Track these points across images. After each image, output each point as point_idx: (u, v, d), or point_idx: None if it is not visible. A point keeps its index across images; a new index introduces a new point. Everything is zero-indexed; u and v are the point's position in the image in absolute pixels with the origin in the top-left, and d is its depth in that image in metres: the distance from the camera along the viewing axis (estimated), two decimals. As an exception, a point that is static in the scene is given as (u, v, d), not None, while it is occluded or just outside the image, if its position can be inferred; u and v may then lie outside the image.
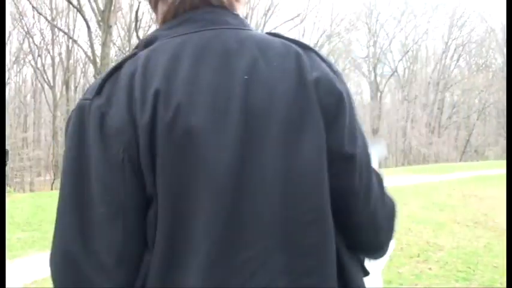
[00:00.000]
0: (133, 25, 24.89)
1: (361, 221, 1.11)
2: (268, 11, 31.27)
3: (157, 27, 1.16)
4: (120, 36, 29.59)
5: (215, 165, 0.96)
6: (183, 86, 0.99)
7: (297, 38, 1.16)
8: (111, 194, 0.98)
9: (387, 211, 1.16)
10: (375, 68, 41.32)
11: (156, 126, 0.96)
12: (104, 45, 18.05)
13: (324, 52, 28.94)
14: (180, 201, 0.97)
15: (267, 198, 0.98)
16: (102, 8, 18.85)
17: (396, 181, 14.98)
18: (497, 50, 49.50)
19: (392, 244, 1.25)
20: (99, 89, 1.02)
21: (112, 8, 18.27)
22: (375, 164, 1.41)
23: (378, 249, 1.20)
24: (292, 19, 34.15)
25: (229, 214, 0.96)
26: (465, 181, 15.49)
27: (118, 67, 1.05)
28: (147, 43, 1.09)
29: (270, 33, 1.12)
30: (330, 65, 1.10)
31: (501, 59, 49.11)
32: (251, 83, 1.00)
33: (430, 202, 11.00)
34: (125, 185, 0.97)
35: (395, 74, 43.00)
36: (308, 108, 1.01)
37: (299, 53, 1.06)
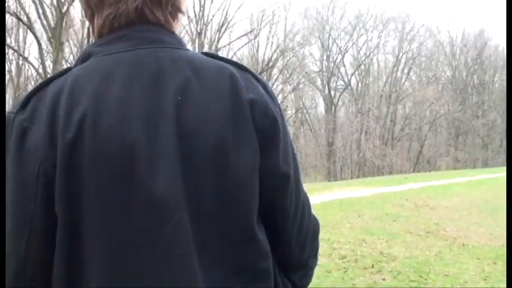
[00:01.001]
0: (85, 41, 24.59)
1: (290, 239, 1.14)
2: (222, 26, 31.38)
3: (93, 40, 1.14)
4: (72, 53, 29.17)
5: (152, 185, 0.96)
6: (115, 107, 0.98)
7: (232, 59, 1.19)
8: (21, 209, 0.97)
9: (312, 229, 1.19)
10: (328, 82, 41.90)
11: (81, 146, 0.96)
12: (56, 62, 17.80)
13: (278, 67, 28.87)
14: (113, 218, 0.96)
15: (203, 217, 0.99)
16: (53, 25, 18.58)
17: (351, 193, 15.19)
18: (446, 63, 50.97)
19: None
20: (24, 103, 1.02)
21: (63, 24, 18.03)
22: None
23: (302, 267, 1.21)
24: (245, 34, 34.40)
25: (165, 233, 0.96)
26: (418, 191, 15.80)
27: (46, 83, 1.05)
28: (83, 59, 1.08)
29: (205, 54, 1.12)
30: (264, 86, 1.11)
31: (449, 72, 50.61)
32: (184, 104, 1.00)
33: (384, 213, 11.17)
34: (36, 199, 0.97)
35: (349, 87, 43.71)
36: (242, 128, 1.02)
37: (233, 74, 1.06)
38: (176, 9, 1.14)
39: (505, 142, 50.56)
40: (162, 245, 0.96)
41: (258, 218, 1.05)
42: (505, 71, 52.44)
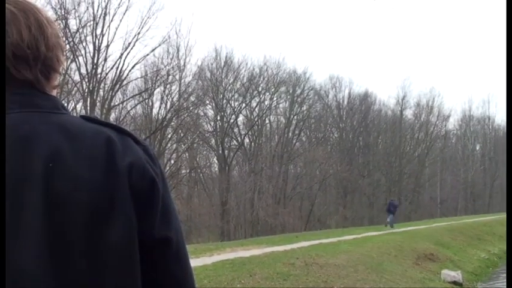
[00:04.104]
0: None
1: None
2: (115, 84, 31.07)
3: None
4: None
5: (17, 258, 0.92)
6: None
7: (112, 122, 1.14)
8: None
9: None
10: (222, 142, 42.34)
11: None
12: None
13: (172, 126, 28.57)
14: None
15: None
16: None
17: (243, 253, 15.21)
18: (334, 125, 53.46)
19: None
20: None
21: None
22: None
23: None
24: (139, 93, 34.23)
25: None
26: (308, 250, 16.10)
27: None
28: None
29: (84, 117, 1.08)
30: (145, 149, 1.09)
31: (337, 134, 53.03)
32: (55, 172, 0.96)
33: (275, 272, 11.28)
34: None
35: (242, 147, 44.41)
36: (117, 195, 0.99)
37: (110, 139, 1.04)
38: (49, 69, 1.09)
39: (388, 201, 53.14)
40: None
41: (139, 285, 1.03)
42: (388, 134, 55.81)
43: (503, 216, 42.86)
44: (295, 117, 46.89)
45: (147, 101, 35.41)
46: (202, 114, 42.29)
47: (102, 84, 30.44)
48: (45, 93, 1.08)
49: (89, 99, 28.83)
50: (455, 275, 16.07)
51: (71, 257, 0.95)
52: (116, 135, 1.06)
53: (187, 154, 41.44)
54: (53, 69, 1.11)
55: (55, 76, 1.12)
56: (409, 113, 59.44)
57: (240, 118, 45.15)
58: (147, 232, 1.04)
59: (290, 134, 46.64)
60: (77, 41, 27.55)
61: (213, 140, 43.45)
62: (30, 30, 1.05)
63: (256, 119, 45.20)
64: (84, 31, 28.74)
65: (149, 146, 1.13)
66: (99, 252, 0.97)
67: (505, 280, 18.84)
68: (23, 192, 0.95)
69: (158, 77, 33.71)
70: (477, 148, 69.52)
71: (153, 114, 35.61)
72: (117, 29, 30.61)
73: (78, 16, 27.98)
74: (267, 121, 47.20)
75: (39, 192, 0.95)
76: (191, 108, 36.71)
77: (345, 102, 53.50)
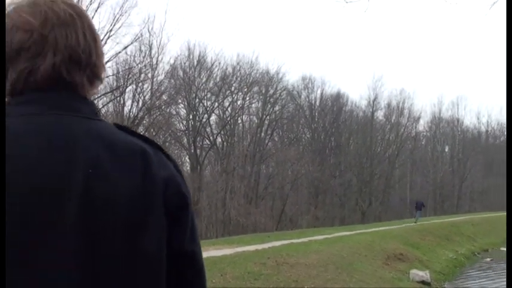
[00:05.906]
0: None
1: None
2: (86, 82, 30.65)
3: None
4: None
5: (54, 262, 0.94)
6: (25, 173, 0.94)
7: (144, 134, 1.17)
8: None
9: None
10: (194, 141, 42.19)
11: None
12: None
13: (144, 124, 28.29)
14: None
15: None
16: None
17: (215, 252, 15.19)
18: (306, 126, 53.75)
19: None
20: None
21: None
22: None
23: None
24: (111, 91, 33.86)
25: None
26: (279, 249, 16.16)
27: None
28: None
29: (119, 126, 1.10)
30: (175, 164, 1.12)
31: (309, 134, 53.33)
32: (94, 177, 0.98)
33: (246, 272, 11.29)
34: None
35: (214, 146, 44.33)
36: (152, 206, 1.02)
37: (145, 151, 1.06)
38: (94, 75, 1.11)
39: (360, 201, 53.68)
40: None
41: None
42: (359, 135, 56.33)
43: (471, 217, 43.68)
44: (268, 117, 46.99)
45: (118, 99, 35.04)
46: (174, 113, 42.08)
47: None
48: (86, 98, 1.10)
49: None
50: (423, 274, 16.31)
51: (106, 262, 0.98)
52: (149, 148, 1.08)
53: (159, 153, 41.10)
54: (98, 76, 1.12)
55: (97, 83, 1.13)
56: (380, 114, 60.14)
57: (213, 117, 45.12)
58: (177, 246, 1.07)
59: (262, 134, 46.72)
60: (47, 37, 27.11)
61: (185, 139, 43.26)
62: (85, 36, 1.08)
63: (228, 119, 45.16)
64: (55, 27, 28.31)
65: (177, 162, 1.16)
66: (133, 258, 1.00)
67: (478, 280, 19.21)
68: (60, 197, 0.96)
69: (130, 75, 33.41)
70: (446, 150, 70.59)
71: (125, 112, 35.28)
72: (88, 25, 30.17)
73: (49, 12, 27.56)
74: (240, 121, 47.24)
75: (77, 198, 0.96)
76: (163, 106, 36.48)
77: (317, 103, 53.84)
